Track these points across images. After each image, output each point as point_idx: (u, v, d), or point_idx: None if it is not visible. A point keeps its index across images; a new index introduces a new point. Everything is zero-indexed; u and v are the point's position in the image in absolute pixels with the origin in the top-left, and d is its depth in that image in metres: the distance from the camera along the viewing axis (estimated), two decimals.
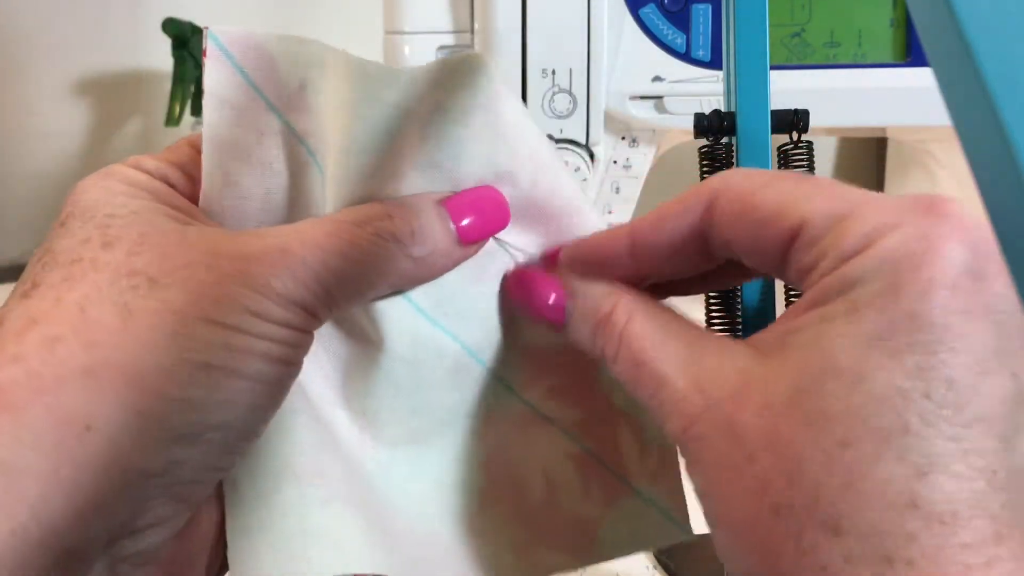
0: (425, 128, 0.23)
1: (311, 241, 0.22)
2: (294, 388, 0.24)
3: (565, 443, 0.27)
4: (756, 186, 0.21)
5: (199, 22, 0.77)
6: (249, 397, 0.21)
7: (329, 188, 0.24)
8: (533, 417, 0.28)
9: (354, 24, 0.72)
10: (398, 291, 0.24)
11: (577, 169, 0.52)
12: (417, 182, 0.24)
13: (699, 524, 0.42)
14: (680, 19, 0.51)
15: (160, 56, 0.78)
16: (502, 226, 0.25)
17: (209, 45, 0.23)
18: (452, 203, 0.24)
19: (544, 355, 0.27)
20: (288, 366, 0.22)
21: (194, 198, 0.24)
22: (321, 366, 0.26)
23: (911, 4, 0.12)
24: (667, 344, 0.22)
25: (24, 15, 0.82)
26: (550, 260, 0.26)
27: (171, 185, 0.24)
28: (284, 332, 0.21)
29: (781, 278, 0.23)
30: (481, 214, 0.24)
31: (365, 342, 0.26)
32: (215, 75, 0.23)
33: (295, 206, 0.25)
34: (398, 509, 0.26)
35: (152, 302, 0.19)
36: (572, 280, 0.24)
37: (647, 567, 0.42)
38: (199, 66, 0.77)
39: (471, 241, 0.24)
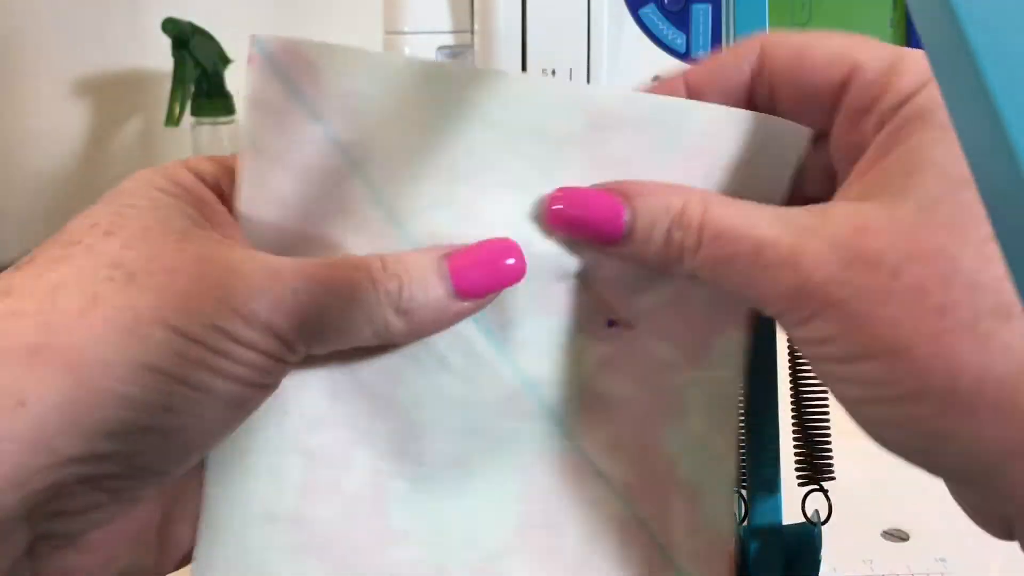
0: (513, 144, 0.24)
1: (305, 272, 0.22)
2: (288, 425, 0.24)
3: (613, 502, 0.26)
4: (807, 38, 0.22)
5: (199, 22, 0.77)
6: (196, 409, 0.20)
7: (389, 193, 0.24)
8: (584, 468, 0.26)
9: (354, 24, 0.72)
10: (387, 343, 0.24)
11: None
12: (500, 197, 0.24)
13: None
14: (680, 19, 0.51)
15: (160, 56, 0.78)
16: (511, 278, 0.24)
17: (254, 52, 0.23)
18: (456, 259, 0.23)
19: (609, 406, 0.26)
20: (249, 387, 0.21)
21: None
22: (337, 393, 0.25)
23: (911, 4, 0.12)
24: (756, 215, 0.22)
25: (24, 15, 0.82)
26: None
27: (220, 192, 0.24)
28: (249, 354, 0.21)
29: (826, 127, 0.23)
30: (487, 269, 0.24)
31: (405, 353, 0.25)
32: (259, 82, 0.23)
33: (330, 216, 0.24)
34: (409, 538, 0.25)
35: (120, 297, 0.20)
36: (629, 187, 0.23)
37: None
38: (199, 66, 0.77)
39: (468, 296, 0.23)
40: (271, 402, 0.23)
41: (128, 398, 0.19)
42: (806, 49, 0.22)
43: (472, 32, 0.53)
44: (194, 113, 0.78)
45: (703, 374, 0.26)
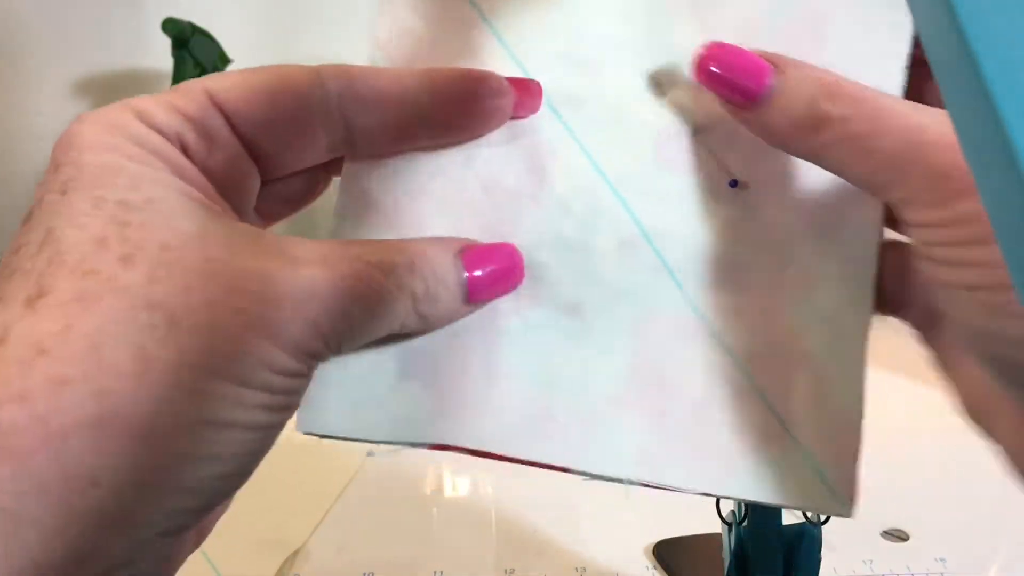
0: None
1: (340, 284, 0.21)
2: None
3: (730, 369, 0.26)
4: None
5: (199, 22, 0.77)
6: (250, 447, 0.20)
7: (517, 45, 0.26)
8: (702, 330, 0.26)
9: (354, 24, 0.72)
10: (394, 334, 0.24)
11: None
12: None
13: (700, 524, 0.42)
14: None
15: (160, 56, 0.78)
16: (512, 287, 0.25)
17: None
18: (470, 257, 0.24)
19: (732, 269, 0.26)
20: (287, 412, 0.21)
21: (207, 164, 0.22)
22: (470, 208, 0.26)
23: (911, 4, 0.12)
24: (901, 102, 0.22)
25: (24, 15, 0.82)
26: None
27: (185, 146, 0.22)
28: (290, 382, 0.20)
29: None
30: (495, 274, 0.24)
31: (526, 193, 0.25)
32: None
33: (459, 60, 0.26)
34: (519, 375, 0.25)
35: (170, 351, 0.18)
36: (780, 57, 0.24)
37: (647, 567, 0.42)
38: (199, 66, 0.77)
39: (478, 301, 0.24)
40: None
41: (198, 457, 0.19)
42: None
43: None
44: None
45: (834, 248, 0.26)
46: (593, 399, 0.25)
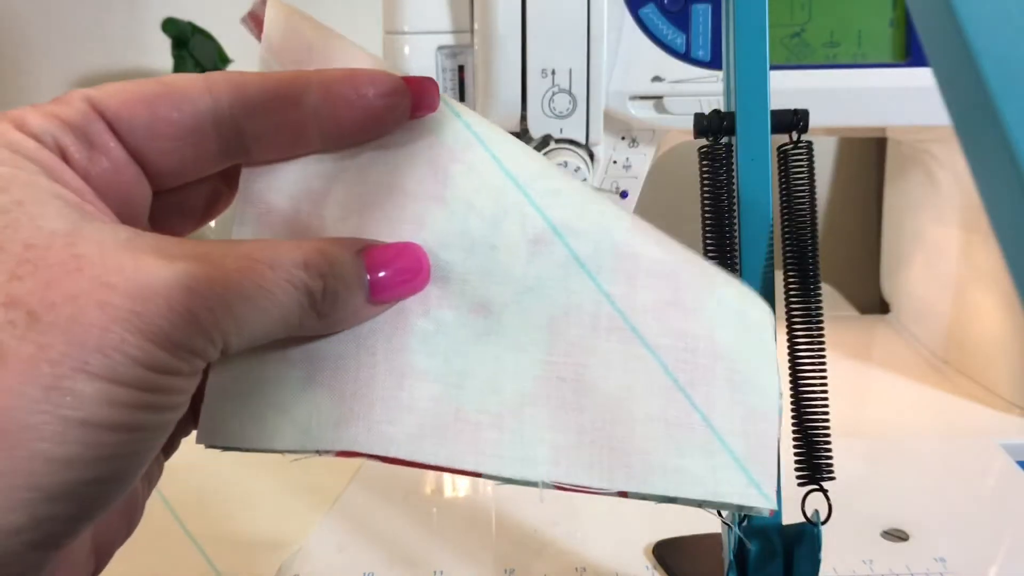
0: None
1: (220, 277, 0.20)
2: None
3: (649, 364, 0.25)
4: None
5: (199, 22, 0.77)
6: (128, 449, 0.19)
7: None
8: (617, 325, 0.25)
9: (353, 24, 0.72)
10: (296, 335, 0.24)
11: (577, 169, 0.52)
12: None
13: (700, 524, 0.42)
14: (680, 19, 0.51)
15: (160, 56, 0.78)
16: (418, 288, 0.24)
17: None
18: (373, 256, 0.23)
19: (648, 262, 0.25)
20: (172, 411, 0.20)
21: (88, 170, 0.22)
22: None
23: (911, 4, 0.12)
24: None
25: (24, 15, 0.82)
26: None
27: (63, 151, 0.21)
28: (172, 380, 0.19)
29: None
30: (399, 273, 0.24)
31: (431, 195, 0.25)
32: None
33: None
34: (428, 377, 0.25)
35: (28, 345, 0.18)
36: None
37: (646, 567, 0.42)
38: (198, 66, 0.77)
39: (382, 301, 0.23)
40: None
41: (64, 458, 0.18)
42: None
43: (472, 32, 0.53)
44: None
45: None
46: (505, 398, 0.25)
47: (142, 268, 0.19)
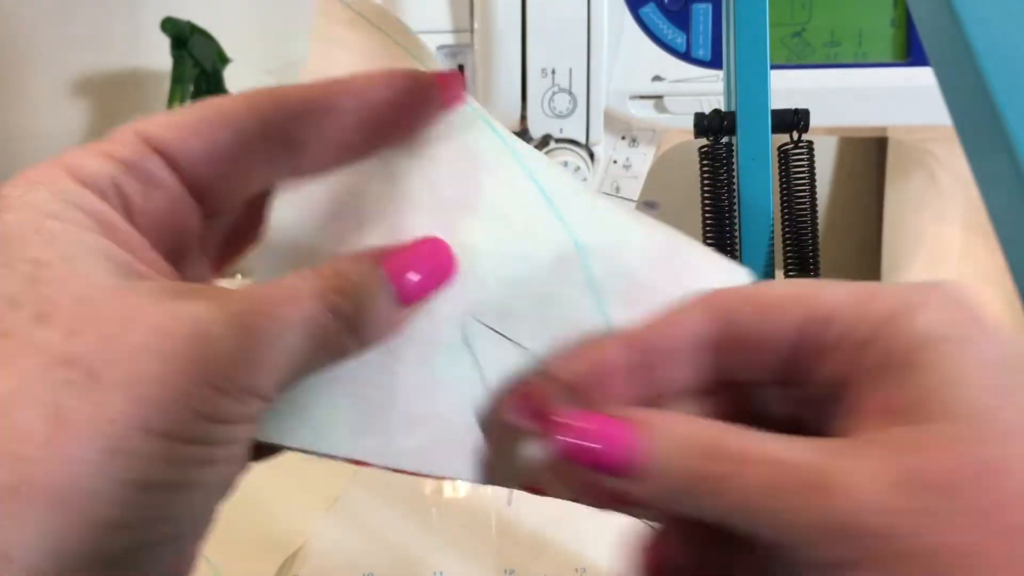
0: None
1: (280, 317, 0.19)
2: None
3: None
4: (762, 285, 0.22)
5: (199, 22, 0.77)
6: (190, 507, 0.19)
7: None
8: None
9: None
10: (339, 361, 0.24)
11: (577, 169, 0.52)
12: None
13: None
14: (680, 19, 0.51)
15: (159, 56, 0.78)
16: (445, 280, 0.24)
17: None
18: (392, 260, 0.23)
19: (649, 294, 0.26)
20: (238, 465, 0.20)
21: (144, 208, 0.21)
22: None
23: (911, 4, 0.12)
24: (782, 441, 0.19)
25: (24, 15, 0.82)
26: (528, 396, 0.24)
27: (123, 193, 0.21)
28: (237, 430, 0.19)
29: (787, 375, 0.22)
30: (422, 272, 0.23)
31: (460, 201, 0.26)
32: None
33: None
34: (446, 386, 0.25)
35: (87, 405, 0.17)
36: (639, 412, 0.20)
37: None
38: (198, 65, 0.77)
39: (412, 303, 0.23)
40: None
41: (121, 522, 0.17)
42: (766, 290, 0.22)
43: (472, 32, 0.53)
44: None
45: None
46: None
47: (196, 315, 0.18)
